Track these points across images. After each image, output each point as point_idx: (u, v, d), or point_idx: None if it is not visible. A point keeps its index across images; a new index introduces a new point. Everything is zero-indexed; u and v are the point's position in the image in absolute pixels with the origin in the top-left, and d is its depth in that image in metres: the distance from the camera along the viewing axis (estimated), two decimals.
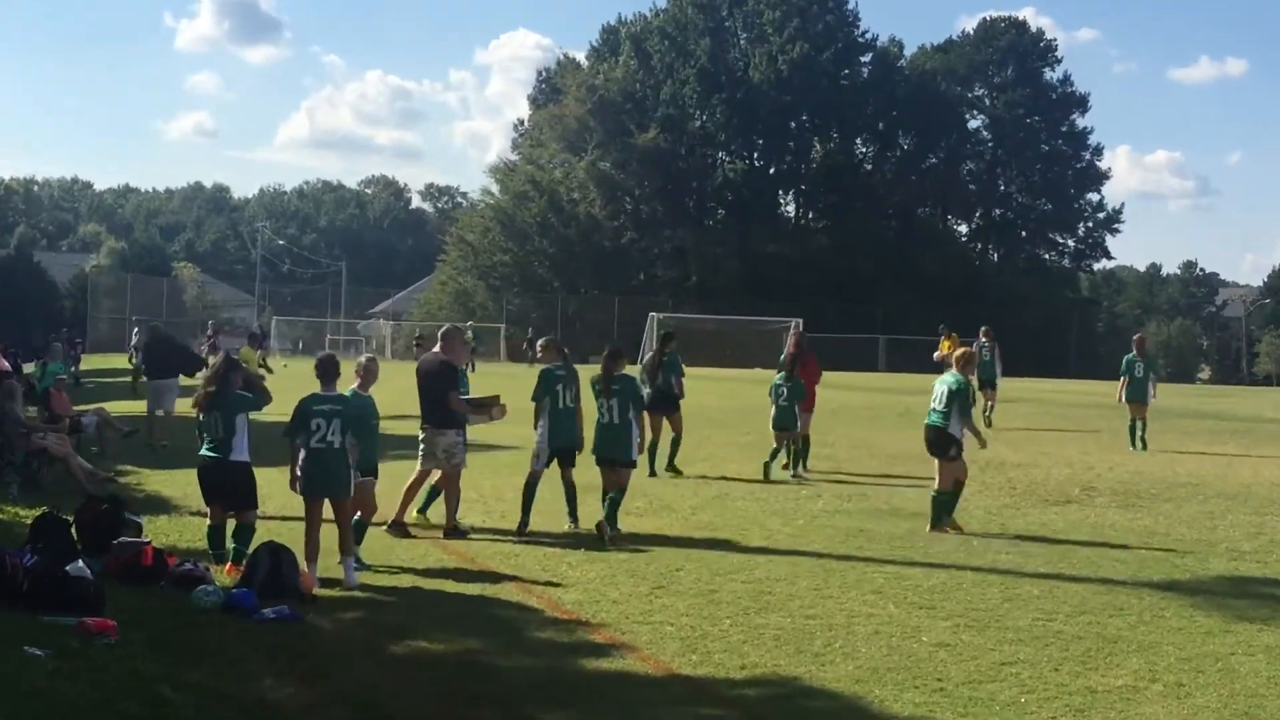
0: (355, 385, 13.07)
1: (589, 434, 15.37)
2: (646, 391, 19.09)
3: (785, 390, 20.74)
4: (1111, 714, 8.31)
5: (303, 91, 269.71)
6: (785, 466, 20.71)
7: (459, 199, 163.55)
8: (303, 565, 11.53)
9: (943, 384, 15.78)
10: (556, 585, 11.87)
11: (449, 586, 11.84)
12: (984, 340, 32.65)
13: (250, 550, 11.80)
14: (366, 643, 9.93)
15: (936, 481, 15.60)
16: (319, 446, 11.93)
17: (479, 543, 14.05)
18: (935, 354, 38.97)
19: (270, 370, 28.82)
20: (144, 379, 27.35)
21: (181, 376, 24.40)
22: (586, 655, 9.62)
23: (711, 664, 9.34)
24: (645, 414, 16.89)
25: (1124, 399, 26.85)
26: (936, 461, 15.62)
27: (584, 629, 10.32)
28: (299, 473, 12.11)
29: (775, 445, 20.58)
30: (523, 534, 14.61)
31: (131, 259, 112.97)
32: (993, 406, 31.77)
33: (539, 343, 16.89)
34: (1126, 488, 19.37)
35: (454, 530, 14.37)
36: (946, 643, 9.91)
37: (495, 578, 12.20)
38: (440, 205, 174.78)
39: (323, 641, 10.01)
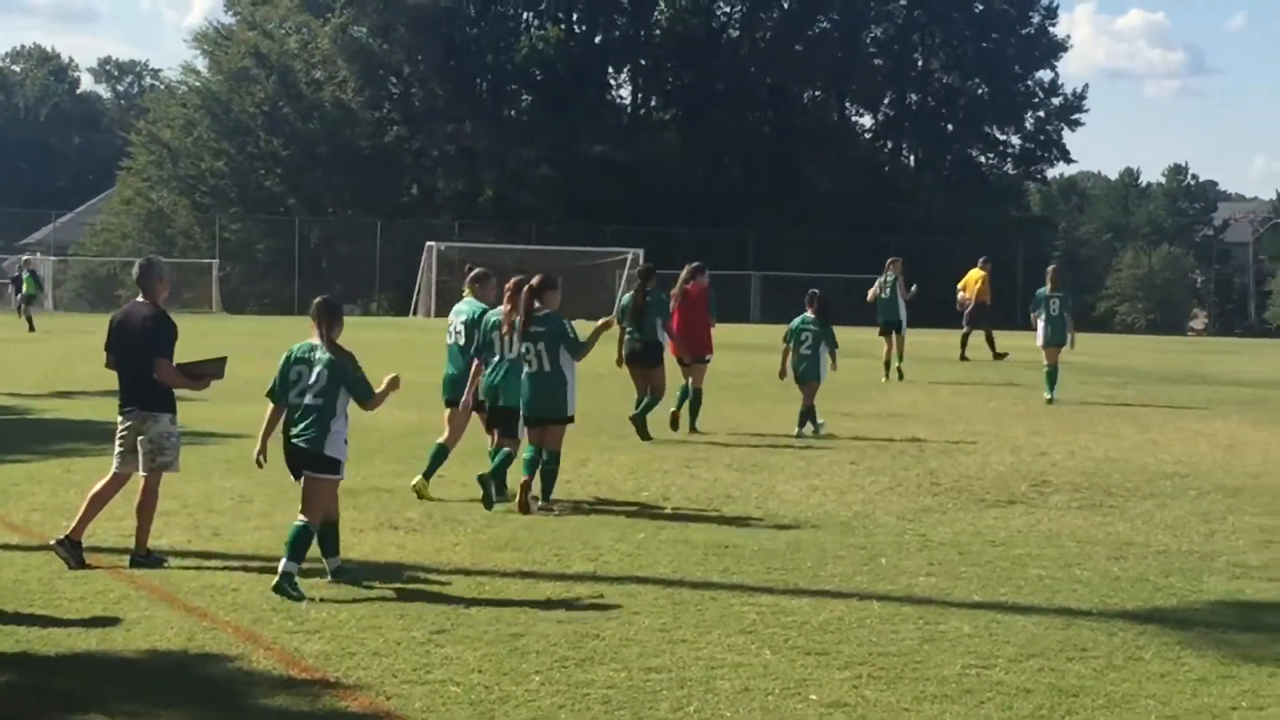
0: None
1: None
2: (627, 339, 22.92)
3: (810, 335, 24.49)
4: None
5: None
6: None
7: (149, 80, 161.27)
8: None
9: None
10: (294, 631, 11.80)
11: (137, 636, 11.69)
12: (890, 274, 34.82)
13: None
14: None
15: None
16: None
17: (182, 572, 13.90)
18: (961, 294, 41.36)
19: None
20: None
21: None
22: None
23: None
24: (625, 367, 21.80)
25: (1039, 342, 31.06)
26: None
27: (333, 692, 10.27)
28: None
29: (806, 401, 24.40)
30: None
31: None
32: (900, 360, 34.20)
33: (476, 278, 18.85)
34: (1092, 481, 19.79)
35: (146, 557, 14.20)
36: (844, 701, 10.04)
37: (206, 622, 12.09)
38: (122, 89, 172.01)
39: None
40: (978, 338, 41.89)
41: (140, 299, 14.68)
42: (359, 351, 14.06)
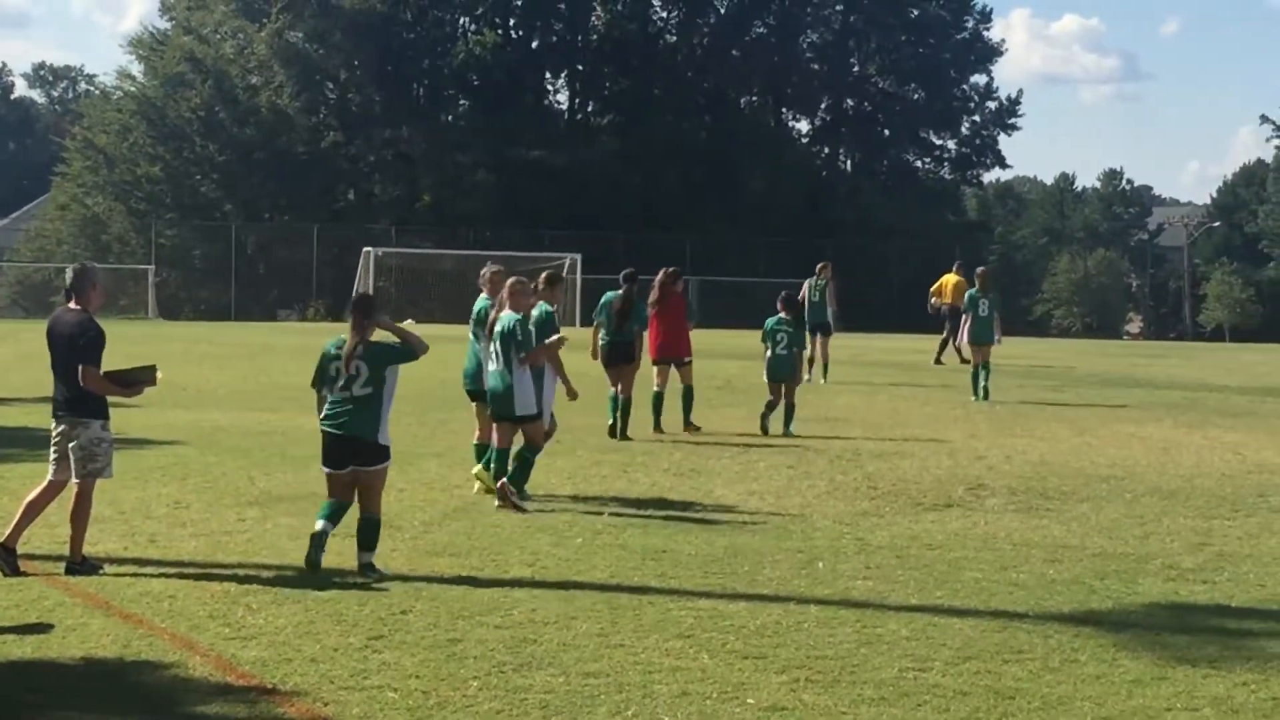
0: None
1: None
2: (604, 340, 23.65)
3: (785, 336, 25.52)
4: None
5: None
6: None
7: (84, 85, 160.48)
8: None
9: None
10: (231, 637, 11.74)
11: (73, 643, 11.62)
12: (821, 278, 36.62)
13: None
14: None
15: None
16: None
17: (118, 579, 13.83)
18: (933, 299, 42.03)
19: None
20: None
21: None
22: None
23: None
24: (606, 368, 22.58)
25: (967, 340, 32.69)
26: None
27: (270, 699, 10.22)
28: None
29: (770, 398, 25.41)
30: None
31: None
32: (826, 364, 34.88)
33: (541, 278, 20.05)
34: (1028, 485, 19.88)
35: (82, 564, 14.12)
36: (781, 705, 10.05)
37: (143, 629, 12.02)
38: (57, 95, 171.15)
39: None
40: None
41: (72, 305, 14.58)
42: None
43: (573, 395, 19.01)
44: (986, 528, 16.76)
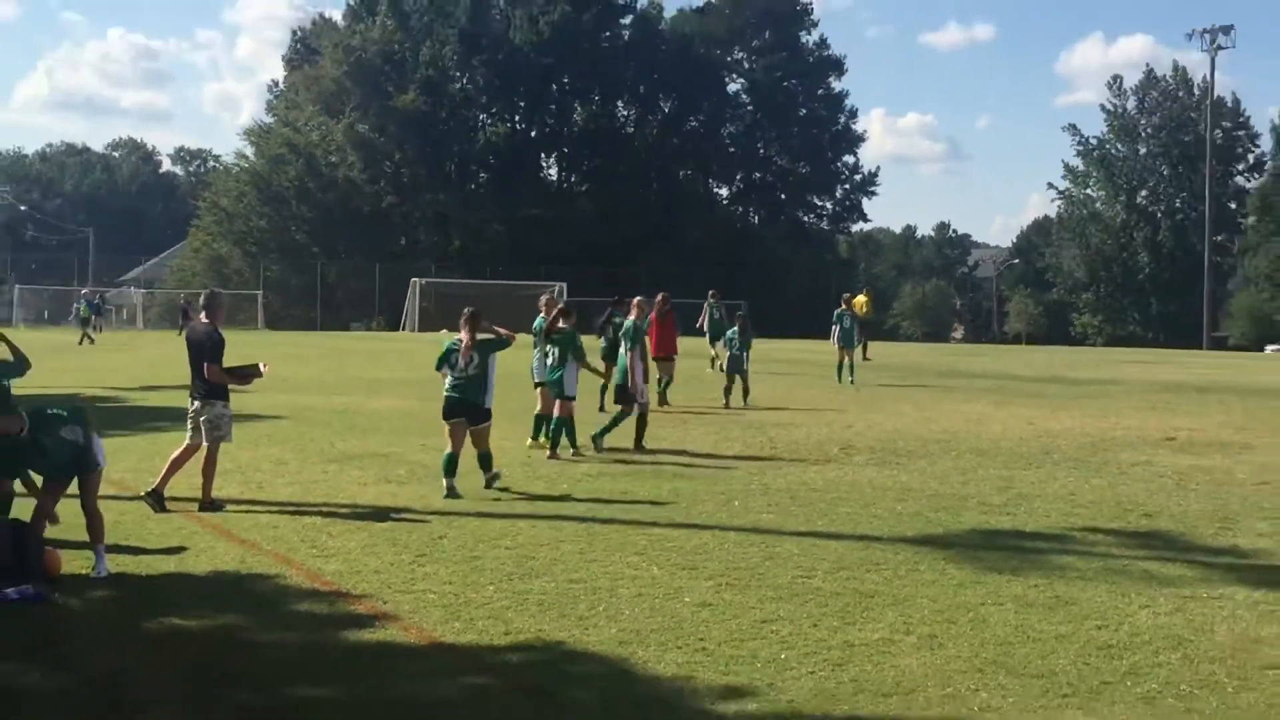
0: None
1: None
2: (601, 344, 23.08)
3: (737, 341, 26.69)
4: (868, 666, 8.51)
5: (38, 49, 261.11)
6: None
7: (212, 163, 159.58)
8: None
9: None
10: (317, 556, 11.71)
11: (204, 561, 11.58)
12: (712, 300, 36.38)
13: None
14: (117, 623, 9.67)
15: None
16: None
17: (235, 515, 13.79)
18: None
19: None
20: None
21: None
22: (347, 627, 9.51)
23: (475, 631, 9.31)
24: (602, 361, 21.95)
25: (835, 344, 33.33)
26: None
27: (345, 600, 10.20)
28: None
29: (727, 384, 26.38)
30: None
31: None
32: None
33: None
34: (883, 445, 19.89)
35: (210, 504, 14.09)
36: (709, 602, 10.04)
37: (253, 550, 11.99)
38: (192, 169, 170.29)
39: (70, 623, 9.70)
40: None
41: (203, 319, 14.61)
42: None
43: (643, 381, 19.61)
44: (854, 476, 16.77)
